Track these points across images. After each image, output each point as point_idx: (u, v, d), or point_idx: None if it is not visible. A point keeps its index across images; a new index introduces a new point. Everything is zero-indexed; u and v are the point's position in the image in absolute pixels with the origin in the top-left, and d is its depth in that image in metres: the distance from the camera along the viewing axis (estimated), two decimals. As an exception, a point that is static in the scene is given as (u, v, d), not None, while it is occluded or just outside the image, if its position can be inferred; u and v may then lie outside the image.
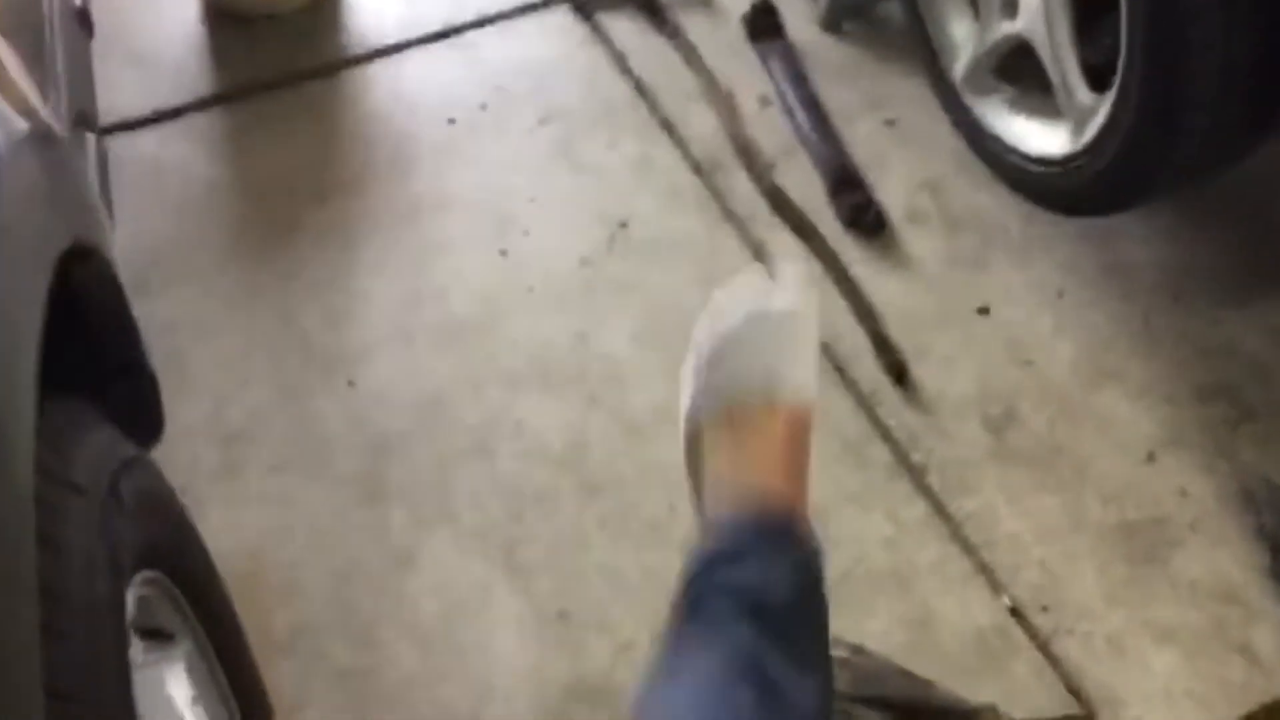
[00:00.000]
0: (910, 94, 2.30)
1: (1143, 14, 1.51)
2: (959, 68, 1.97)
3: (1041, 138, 1.82)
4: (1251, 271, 2.01)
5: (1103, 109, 1.65)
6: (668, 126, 2.30)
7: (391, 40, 2.48)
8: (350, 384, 1.96)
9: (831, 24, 2.44)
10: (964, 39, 1.96)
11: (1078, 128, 1.73)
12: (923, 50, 2.08)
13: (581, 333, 2.01)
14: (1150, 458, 1.81)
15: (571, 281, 2.08)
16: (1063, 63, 1.71)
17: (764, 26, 2.43)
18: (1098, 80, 1.72)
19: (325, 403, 1.94)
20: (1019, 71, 1.91)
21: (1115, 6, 1.63)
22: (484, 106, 2.36)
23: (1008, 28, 1.81)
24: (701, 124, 2.31)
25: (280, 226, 2.18)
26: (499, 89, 2.39)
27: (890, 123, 2.28)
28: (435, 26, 2.49)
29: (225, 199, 2.24)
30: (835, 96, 2.33)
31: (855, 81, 2.36)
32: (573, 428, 1.90)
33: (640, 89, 2.37)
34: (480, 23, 2.51)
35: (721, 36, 2.45)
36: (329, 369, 1.98)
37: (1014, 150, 1.87)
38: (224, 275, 2.11)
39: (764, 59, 2.40)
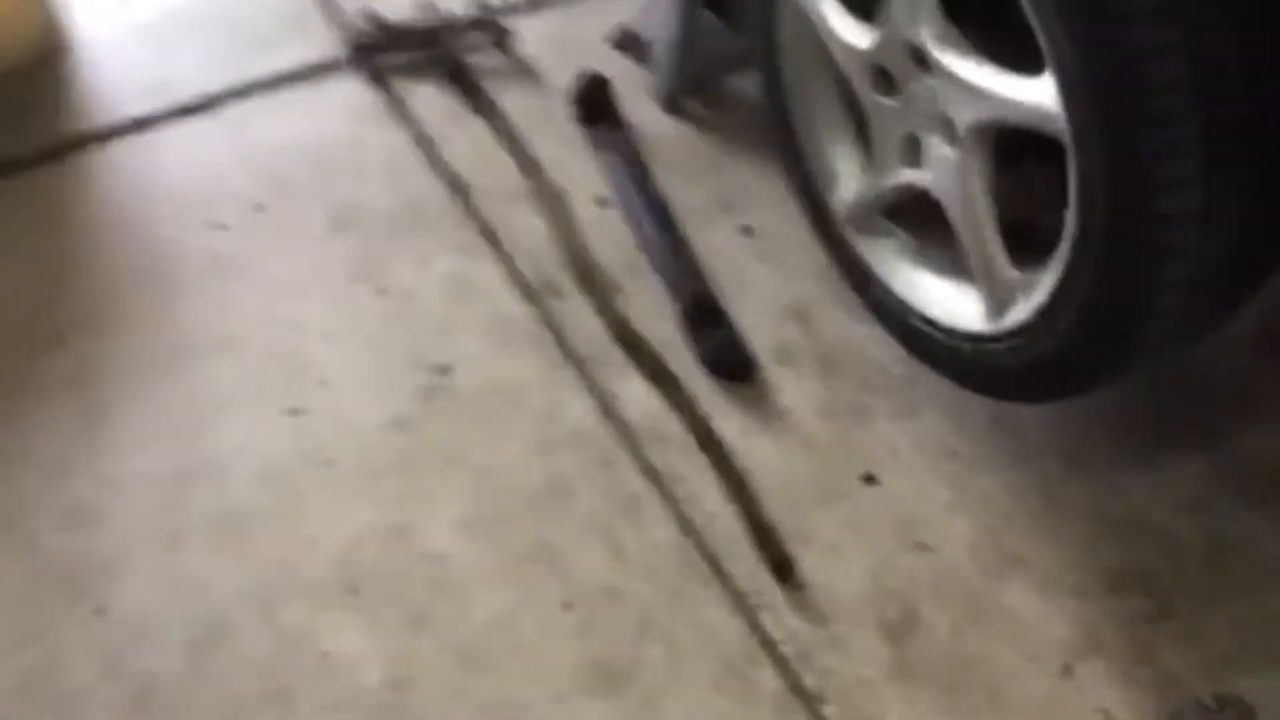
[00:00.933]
0: (767, 194, 2.00)
1: (1105, 184, 1.23)
2: (839, 201, 1.68)
3: (949, 305, 1.54)
4: (1153, 426, 1.81)
5: (1036, 290, 1.39)
6: (490, 235, 1.93)
7: (137, 112, 2.01)
8: (100, 611, 1.53)
9: (671, 103, 2.12)
10: (848, 173, 1.66)
11: (998, 306, 1.46)
12: (791, 162, 1.78)
13: (399, 525, 1.64)
14: (1066, 670, 1.60)
15: (383, 452, 1.70)
16: (979, 231, 1.43)
17: (595, 106, 2.08)
18: (1023, 243, 1.46)
19: (68, 638, 1.51)
20: (918, 210, 1.62)
21: (1046, 161, 1.37)
22: (260, 207, 1.92)
23: (909, 176, 1.52)
24: (530, 232, 1.95)
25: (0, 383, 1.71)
26: (278, 181, 1.96)
27: (747, 230, 1.98)
28: (192, 94, 2.04)
29: (-79, 340, 1.75)
30: (682, 196, 2.01)
31: (703, 177, 2.04)
32: (394, 658, 1.54)
33: (454, 185, 1.98)
34: (248, 90, 2.06)
35: (547, 116, 2.09)
36: (72, 589, 1.54)
37: (912, 311, 1.59)
38: (-77, 454, 1.64)
39: (597, 147, 2.05)
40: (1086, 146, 1.19)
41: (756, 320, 1.88)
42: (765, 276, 1.93)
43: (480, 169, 2.00)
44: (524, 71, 2.14)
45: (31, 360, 1.72)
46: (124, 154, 1.96)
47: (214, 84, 2.05)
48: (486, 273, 1.89)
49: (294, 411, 1.72)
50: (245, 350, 1.77)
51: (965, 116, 1.38)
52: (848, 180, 1.65)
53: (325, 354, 1.78)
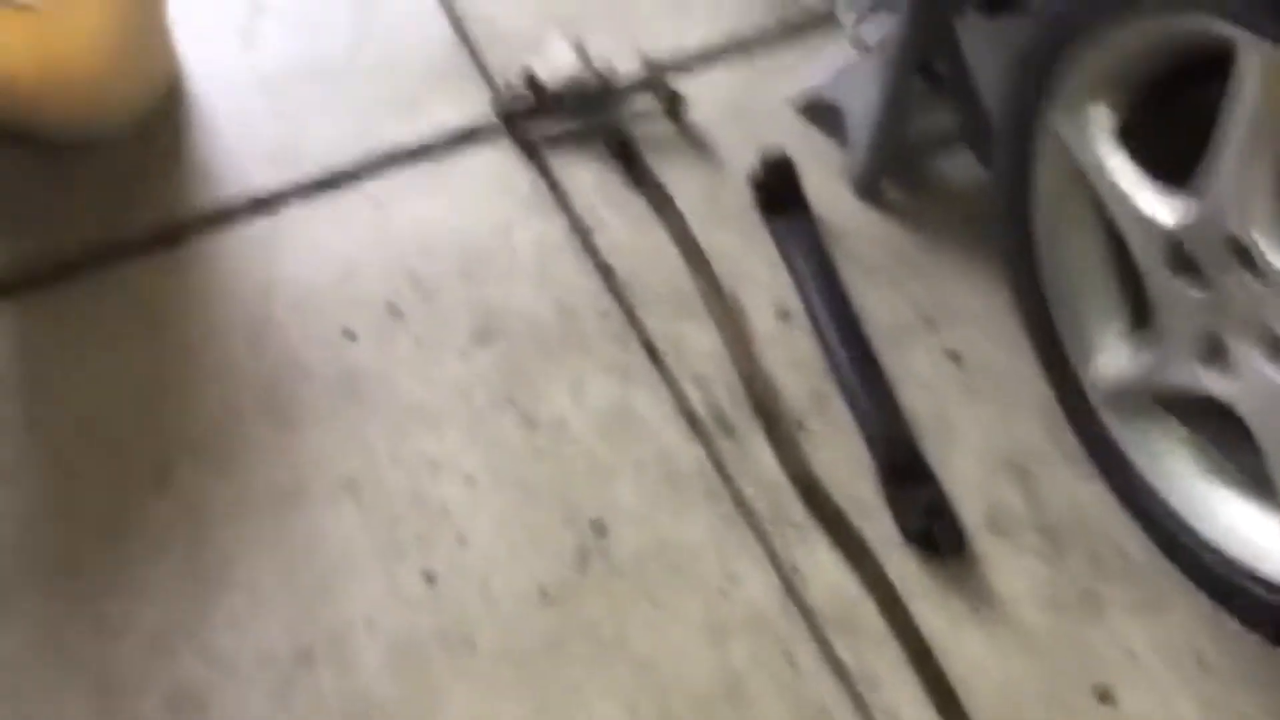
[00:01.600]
0: (979, 307, 1.70)
1: None
2: (1096, 374, 1.36)
3: (1244, 535, 1.23)
4: None
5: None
6: (653, 352, 1.67)
7: (260, 187, 1.77)
8: (207, 825, 1.34)
9: (868, 187, 1.81)
10: (1112, 348, 1.33)
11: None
12: (1032, 318, 1.45)
13: (548, 728, 1.41)
14: None
15: (530, 631, 1.46)
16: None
17: (779, 193, 1.78)
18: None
19: None
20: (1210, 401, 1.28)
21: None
22: (395, 311, 1.68)
23: (1205, 381, 1.19)
24: (700, 349, 1.67)
25: (94, 529, 1.49)
26: (415, 278, 1.71)
27: (954, 356, 1.69)
28: (323, 165, 1.79)
29: (7, 472, 1.54)
30: (878, 306, 1.72)
31: (903, 283, 1.74)
32: None
33: (612, 286, 1.72)
34: (386, 162, 1.81)
35: (722, 199, 1.80)
36: (175, 795, 1.35)
37: (1188, 529, 1.28)
38: (12, 618, 1.43)
39: (780, 243, 1.76)
40: None
41: (966, 473, 1.59)
42: (976, 417, 1.64)
43: (643, 266, 1.73)
44: (696, 143, 1.85)
45: (134, 500, 1.50)
46: (243, 240, 1.72)
47: (348, 153, 1.79)
48: (648, 401, 1.62)
49: (429, 576, 1.48)
50: (375, 495, 1.53)
51: (1305, 342, 1.06)
52: (1111, 357, 1.33)
53: (464, 502, 1.54)
